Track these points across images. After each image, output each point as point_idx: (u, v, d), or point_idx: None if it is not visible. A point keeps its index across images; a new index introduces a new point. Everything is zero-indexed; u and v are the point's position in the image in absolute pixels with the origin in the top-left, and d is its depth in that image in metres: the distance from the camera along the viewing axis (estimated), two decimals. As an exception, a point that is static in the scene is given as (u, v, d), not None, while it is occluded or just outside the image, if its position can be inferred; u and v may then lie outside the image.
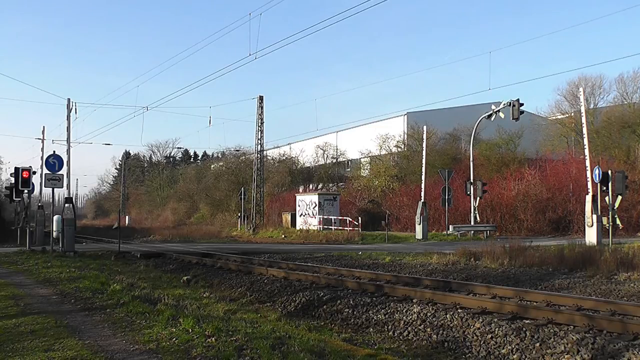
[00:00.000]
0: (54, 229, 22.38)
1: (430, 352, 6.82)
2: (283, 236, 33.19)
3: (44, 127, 32.56)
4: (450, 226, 27.59)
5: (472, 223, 27.38)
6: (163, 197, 66.94)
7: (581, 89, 24.44)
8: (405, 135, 45.39)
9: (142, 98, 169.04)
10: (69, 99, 23.16)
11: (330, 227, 32.58)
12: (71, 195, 21.18)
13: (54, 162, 18.35)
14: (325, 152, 52.57)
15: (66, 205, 19.80)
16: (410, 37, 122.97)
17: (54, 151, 19.61)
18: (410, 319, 8.01)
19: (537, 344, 6.38)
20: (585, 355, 5.92)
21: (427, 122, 43.54)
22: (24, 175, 20.77)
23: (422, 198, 27.22)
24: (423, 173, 28.45)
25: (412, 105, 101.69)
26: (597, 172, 18.72)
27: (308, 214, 35.29)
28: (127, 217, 59.29)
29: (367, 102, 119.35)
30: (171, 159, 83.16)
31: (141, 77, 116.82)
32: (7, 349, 5.70)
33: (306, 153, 53.30)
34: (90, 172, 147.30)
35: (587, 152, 20.79)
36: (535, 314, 7.58)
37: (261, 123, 38.57)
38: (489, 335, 6.90)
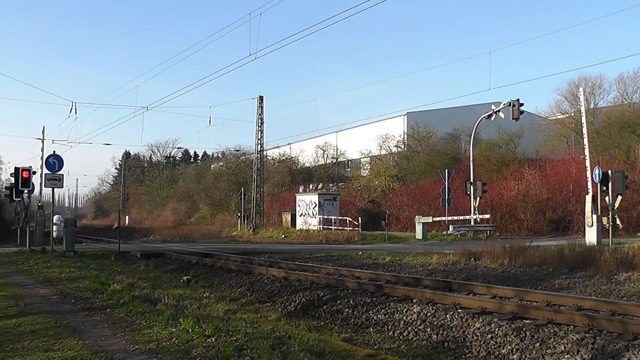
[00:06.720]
0: (54, 229, 22.38)
1: (430, 352, 6.81)
2: (283, 236, 33.18)
3: (44, 127, 32.61)
4: (450, 226, 27.58)
5: (472, 223, 27.36)
6: (163, 197, 66.89)
7: (581, 89, 24.44)
8: (405, 135, 45.39)
9: (142, 98, 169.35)
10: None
11: (330, 227, 32.56)
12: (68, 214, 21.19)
13: (54, 162, 18.31)
14: (325, 152, 52.56)
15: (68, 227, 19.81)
16: (410, 37, 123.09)
17: (54, 151, 19.60)
18: (410, 319, 8.00)
19: (537, 344, 6.38)
20: (585, 355, 5.91)
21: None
22: (24, 175, 20.79)
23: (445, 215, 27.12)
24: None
25: (412, 105, 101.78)
26: (597, 172, 18.70)
27: (308, 214, 35.28)
28: (127, 217, 59.23)
29: (367, 102, 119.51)
30: (171, 159, 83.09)
31: (141, 77, 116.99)
32: (7, 349, 5.70)
33: (306, 153, 53.28)
34: (90, 172, 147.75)
35: (587, 152, 20.78)
36: (536, 314, 7.58)
37: (261, 123, 38.56)
38: (489, 335, 6.89)
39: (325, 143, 52.77)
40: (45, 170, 18.90)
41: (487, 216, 27.57)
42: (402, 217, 34.30)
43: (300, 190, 47.38)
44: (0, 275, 12.71)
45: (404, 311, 8.33)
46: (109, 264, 16.43)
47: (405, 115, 46.59)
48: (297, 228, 35.41)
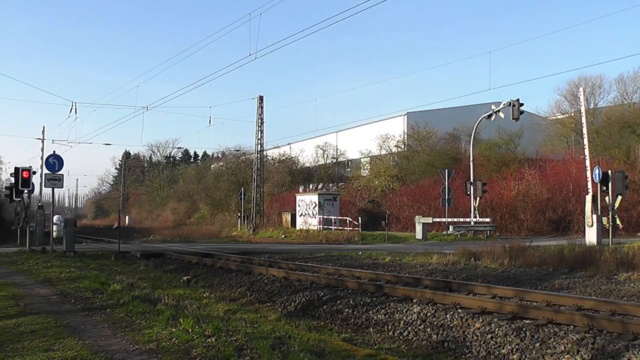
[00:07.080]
0: (54, 229, 22.37)
1: (430, 352, 6.81)
2: (283, 236, 33.17)
3: (44, 127, 32.63)
4: (450, 226, 27.57)
5: (472, 223, 27.34)
6: (163, 197, 66.87)
7: (581, 89, 24.45)
8: (405, 135, 45.39)
9: (142, 98, 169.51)
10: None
11: (330, 227, 32.56)
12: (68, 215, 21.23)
13: (54, 162, 18.31)
14: (325, 152, 52.55)
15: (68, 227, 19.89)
16: (410, 37, 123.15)
17: (54, 151, 19.60)
18: (410, 319, 8.00)
19: (537, 344, 6.38)
20: (585, 355, 5.91)
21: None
22: (24, 175, 20.78)
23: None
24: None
25: (412, 105, 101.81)
26: (597, 172, 18.70)
27: (308, 214, 35.28)
28: (127, 217, 59.23)
29: (367, 102, 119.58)
30: (171, 159, 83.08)
31: (141, 77, 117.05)
32: (7, 349, 5.70)
33: (306, 153, 53.28)
34: (90, 172, 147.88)
35: (587, 152, 20.78)
36: (535, 314, 7.58)
37: (261, 123, 38.56)
38: (489, 335, 6.89)
39: (325, 143, 52.77)
40: (45, 170, 18.90)
41: (487, 220, 27.56)
42: (402, 217, 34.29)
43: (300, 190, 47.37)
44: (0, 275, 12.71)
45: (404, 311, 8.33)
46: (109, 264, 16.42)
47: (405, 115, 46.59)
48: (297, 228, 35.40)
